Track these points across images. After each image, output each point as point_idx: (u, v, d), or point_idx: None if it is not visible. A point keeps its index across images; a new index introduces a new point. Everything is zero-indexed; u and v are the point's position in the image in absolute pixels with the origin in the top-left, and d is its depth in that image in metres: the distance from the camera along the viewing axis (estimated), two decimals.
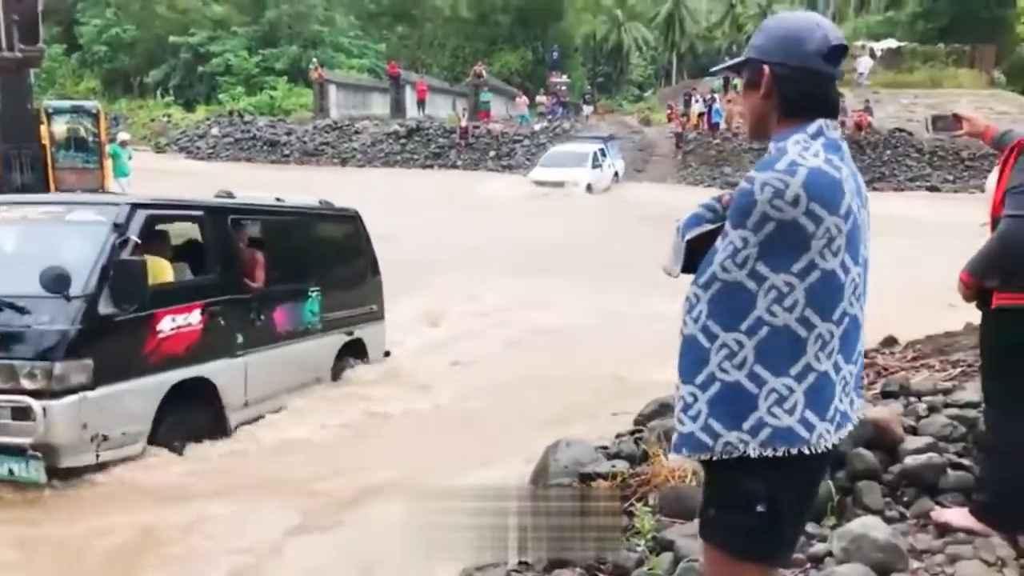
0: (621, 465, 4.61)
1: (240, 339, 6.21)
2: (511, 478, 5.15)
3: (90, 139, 16.79)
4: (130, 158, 17.98)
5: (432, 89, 38.71)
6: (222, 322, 6.02)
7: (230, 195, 6.92)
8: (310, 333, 7.12)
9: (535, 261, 13.66)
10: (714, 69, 2.75)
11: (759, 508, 1.91)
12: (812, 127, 1.94)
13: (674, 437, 2.01)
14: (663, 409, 5.49)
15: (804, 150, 1.89)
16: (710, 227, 1.99)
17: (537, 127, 33.21)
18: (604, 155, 27.04)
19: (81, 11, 44.47)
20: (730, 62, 2.08)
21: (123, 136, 19.58)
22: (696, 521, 3.66)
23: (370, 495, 5.18)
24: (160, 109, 39.85)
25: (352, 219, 8.11)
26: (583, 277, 12.38)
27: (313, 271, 7.33)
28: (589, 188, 25.33)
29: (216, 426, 5.98)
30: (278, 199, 7.40)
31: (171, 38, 41.80)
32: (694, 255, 2.04)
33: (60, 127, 16.75)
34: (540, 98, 38.49)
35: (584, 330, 9.49)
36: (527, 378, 7.74)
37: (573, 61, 51.39)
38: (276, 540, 4.61)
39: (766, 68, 1.96)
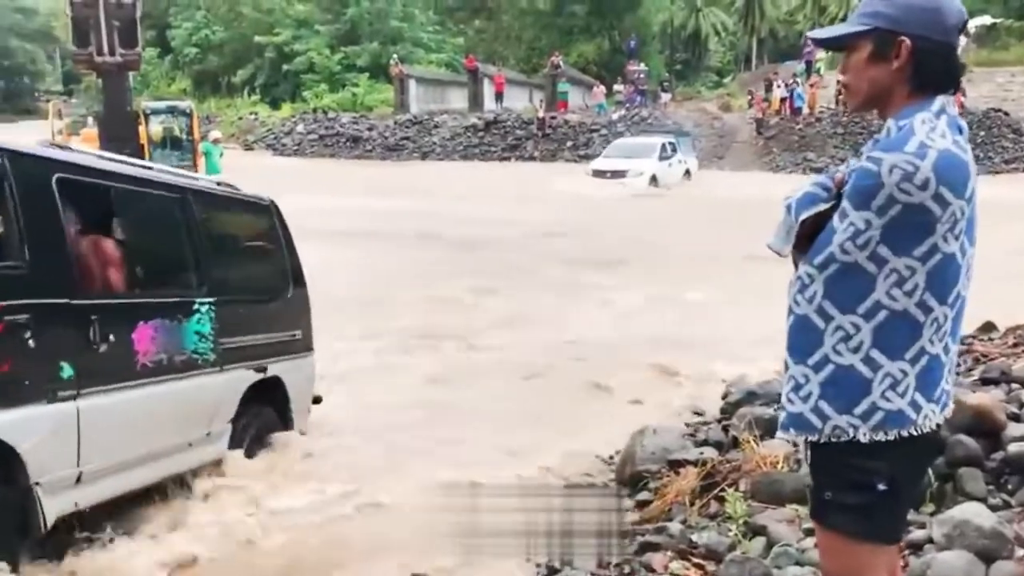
0: (709, 452, 4.64)
1: (66, 373, 3.71)
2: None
3: (184, 138, 17.58)
4: (221, 155, 18.58)
5: (509, 82, 38.85)
6: (31, 343, 3.55)
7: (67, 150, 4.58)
8: (196, 367, 4.57)
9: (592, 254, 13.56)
10: (822, 35, 2.26)
11: (880, 487, 1.90)
12: (935, 104, 1.90)
13: (781, 416, 2.03)
14: (750, 397, 5.49)
15: (931, 130, 1.85)
16: (824, 207, 1.99)
17: (615, 116, 33.03)
18: (674, 150, 25.47)
19: (173, 15, 46.09)
20: (848, 29, 1.98)
21: (215, 134, 20.26)
22: (789, 507, 3.72)
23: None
24: (247, 108, 41.04)
25: (266, 211, 5.68)
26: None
27: (202, 276, 4.78)
28: (654, 181, 23.60)
29: (15, 523, 3.56)
30: (147, 167, 5.17)
31: (256, 38, 42.96)
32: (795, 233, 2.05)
33: (156, 127, 17.58)
34: (617, 87, 38.23)
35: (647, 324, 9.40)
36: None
37: (650, 49, 50.83)
38: None
39: (906, 40, 1.89)
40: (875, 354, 1.88)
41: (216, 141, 18.94)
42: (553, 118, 32.98)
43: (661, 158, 24.35)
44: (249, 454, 5.05)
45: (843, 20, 2.11)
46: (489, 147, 32.42)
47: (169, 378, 4.35)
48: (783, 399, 2.02)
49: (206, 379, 4.66)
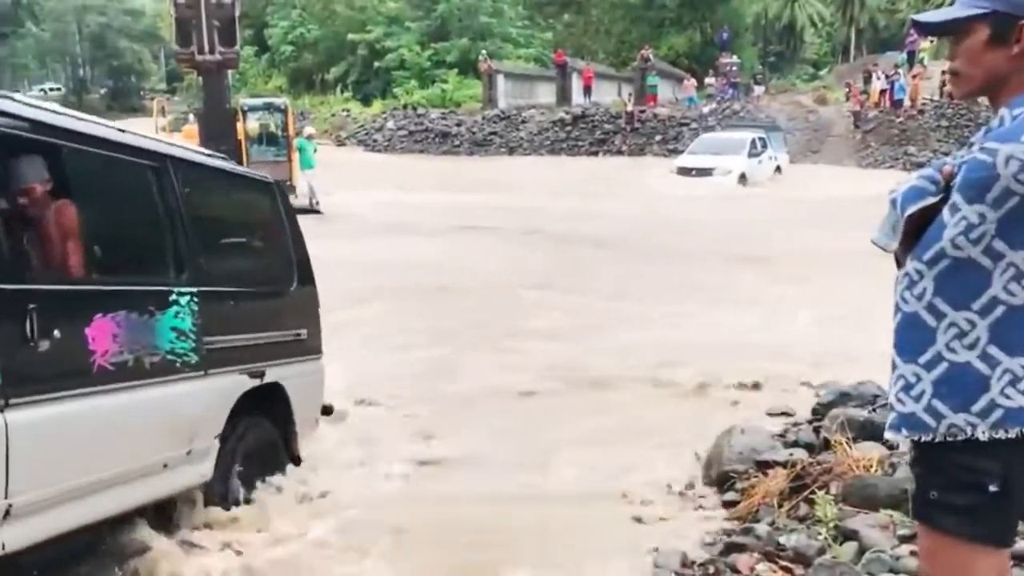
0: (799, 453, 4.54)
1: None
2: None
3: (279, 134, 18.10)
4: (315, 151, 19.06)
5: (598, 75, 38.62)
6: None
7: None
8: (173, 370, 3.71)
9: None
10: (929, 18, 2.09)
11: (992, 488, 1.84)
12: None
13: (890, 417, 1.97)
14: (843, 398, 5.35)
15: None
16: (932, 200, 1.92)
17: (705, 109, 32.49)
18: (764, 145, 23.88)
19: (270, 14, 47.44)
20: (962, 12, 1.90)
21: (309, 130, 20.80)
22: (883, 512, 3.60)
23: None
24: (340, 104, 41.94)
25: (267, 190, 5.02)
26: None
27: (183, 261, 3.91)
28: (743, 180, 22.14)
29: None
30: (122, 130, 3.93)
31: (349, 35, 43.81)
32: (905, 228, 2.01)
33: (253, 123, 18.15)
34: (709, 80, 37.57)
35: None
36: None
37: (743, 41, 49.73)
38: None
39: None
40: (992, 350, 1.82)
41: (310, 137, 19.44)
42: (642, 112, 32.66)
43: (751, 155, 22.86)
44: (244, 478, 4.24)
45: (950, 4, 2.01)
46: (576, 142, 32.33)
47: (136, 384, 3.47)
48: (892, 399, 1.97)
49: (186, 385, 3.78)
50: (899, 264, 1.98)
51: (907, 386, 1.91)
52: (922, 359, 1.88)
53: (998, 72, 1.88)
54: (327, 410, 5.23)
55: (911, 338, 1.90)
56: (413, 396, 6.61)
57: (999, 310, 1.81)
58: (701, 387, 6.86)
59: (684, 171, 22.32)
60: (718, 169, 21.75)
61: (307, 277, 5.04)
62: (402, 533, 4.18)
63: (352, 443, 5.53)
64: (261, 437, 4.48)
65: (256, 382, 4.33)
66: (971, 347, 1.83)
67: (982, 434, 1.83)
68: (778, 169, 24.36)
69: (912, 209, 1.93)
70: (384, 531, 4.16)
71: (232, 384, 4.16)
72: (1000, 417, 1.82)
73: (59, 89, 61.98)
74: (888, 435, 2.01)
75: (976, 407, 1.84)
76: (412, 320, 9.05)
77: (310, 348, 4.99)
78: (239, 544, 3.89)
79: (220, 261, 4.29)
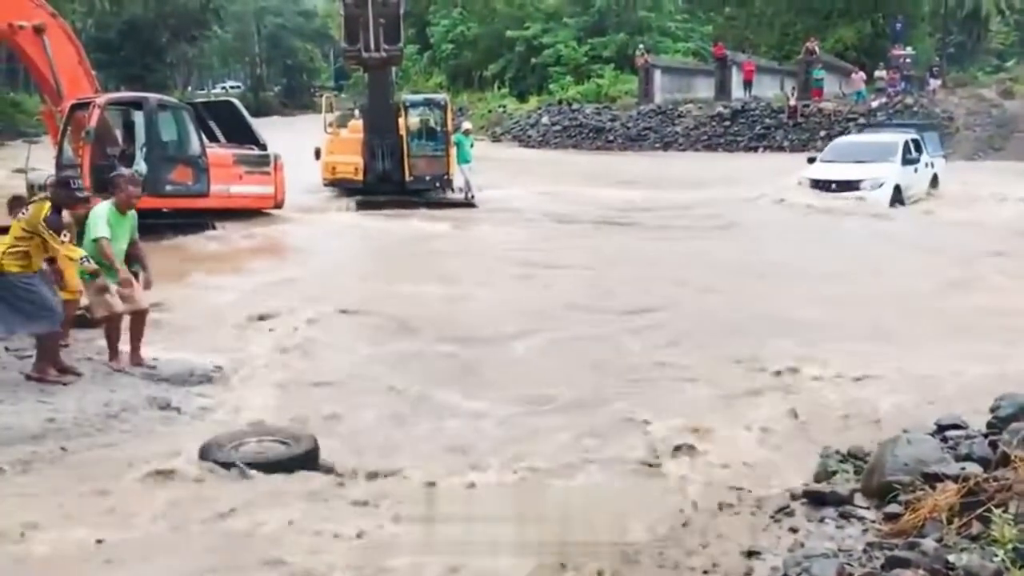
0: (972, 467, 4.23)
1: None
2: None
3: (438, 129, 18.55)
4: (472, 146, 19.43)
5: (759, 69, 37.39)
6: None
7: None
8: None
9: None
10: None
11: None
12: None
13: None
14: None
15: None
16: None
17: (874, 104, 30.81)
18: (919, 148, 18.16)
19: (432, 13, 48.82)
20: None
21: (467, 125, 21.23)
22: None
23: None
24: (497, 100, 42.64)
25: None
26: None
27: None
28: (898, 193, 16.76)
29: None
30: None
31: (508, 32, 44.45)
32: None
33: (414, 118, 18.68)
34: (879, 73, 35.58)
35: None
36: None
37: (919, 32, 46.72)
38: None
39: None
40: None
41: (467, 132, 19.83)
42: (806, 106, 31.36)
43: (905, 161, 17.33)
44: None
45: None
46: (735, 137, 31.47)
47: None
48: None
49: None
50: None
51: None
52: None
53: None
54: None
55: None
56: None
57: None
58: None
59: (820, 185, 17.07)
60: (867, 182, 16.53)
61: None
62: None
63: None
64: None
65: None
66: None
67: None
68: (935, 180, 18.88)
69: None
70: None
71: None
72: None
73: (238, 87, 66.26)
74: None
75: None
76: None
77: None
78: None
79: None
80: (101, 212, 6.70)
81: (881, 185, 16.55)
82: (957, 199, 17.60)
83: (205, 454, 5.06)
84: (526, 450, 5.52)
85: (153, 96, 15.04)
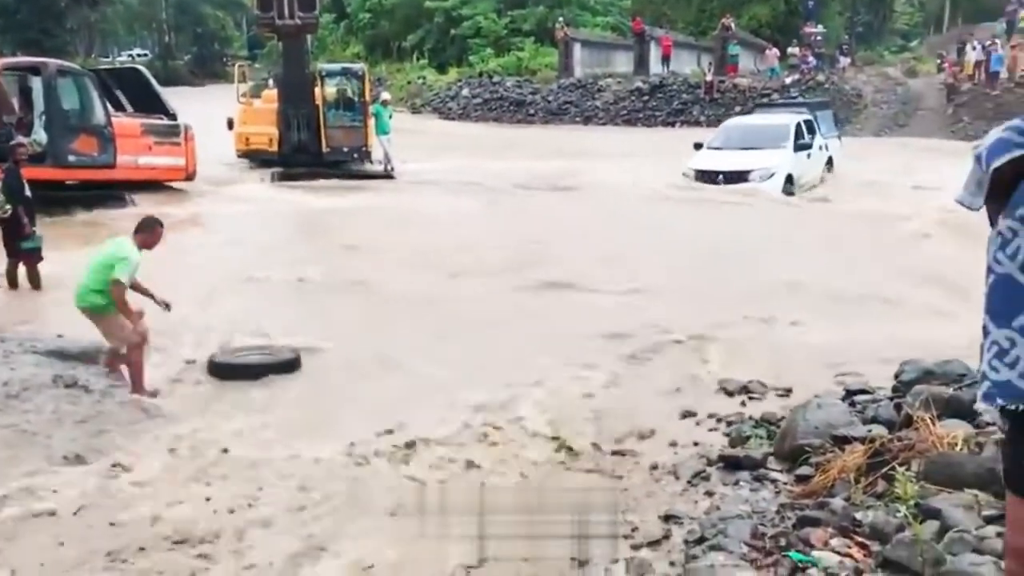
0: (878, 429, 4.41)
1: None
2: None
3: (356, 99, 18.20)
4: (391, 117, 19.16)
5: (677, 44, 37.80)
6: None
7: None
8: None
9: None
10: None
11: None
12: None
13: (983, 386, 1.87)
14: (927, 376, 5.16)
15: None
16: (1021, 152, 1.79)
17: (787, 80, 31.54)
18: (812, 130, 16.71)
19: None
20: None
21: (385, 96, 20.91)
22: (968, 491, 3.45)
23: None
24: (416, 71, 42.06)
25: None
26: None
27: None
28: (790, 184, 15.17)
29: None
30: None
31: (426, 3, 43.78)
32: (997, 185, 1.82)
33: (330, 88, 18.28)
34: (792, 50, 36.43)
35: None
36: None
37: (829, 11, 47.98)
38: None
39: None
40: None
41: (385, 103, 19.53)
42: (722, 82, 31.90)
43: (797, 147, 15.80)
44: None
45: None
46: (653, 112, 31.81)
47: None
48: (984, 367, 1.86)
49: None
50: (992, 224, 1.86)
51: (1001, 352, 1.80)
52: (1017, 323, 1.77)
53: None
54: None
55: (1005, 301, 1.79)
56: None
57: None
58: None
59: (706, 177, 15.42)
60: (756, 172, 14.97)
61: None
62: None
63: None
64: None
65: None
66: None
67: None
68: (830, 163, 17.61)
69: (998, 162, 1.81)
70: None
71: None
72: None
73: (146, 55, 63.69)
74: (980, 405, 1.91)
75: None
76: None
77: None
78: None
79: None
80: (131, 255, 5.92)
81: (771, 176, 14.94)
82: (851, 187, 16.52)
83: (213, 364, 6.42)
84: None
85: (53, 61, 14.31)
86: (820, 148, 16.97)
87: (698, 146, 16.58)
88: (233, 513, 4.31)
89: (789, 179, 15.18)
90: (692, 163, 15.99)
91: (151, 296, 6.21)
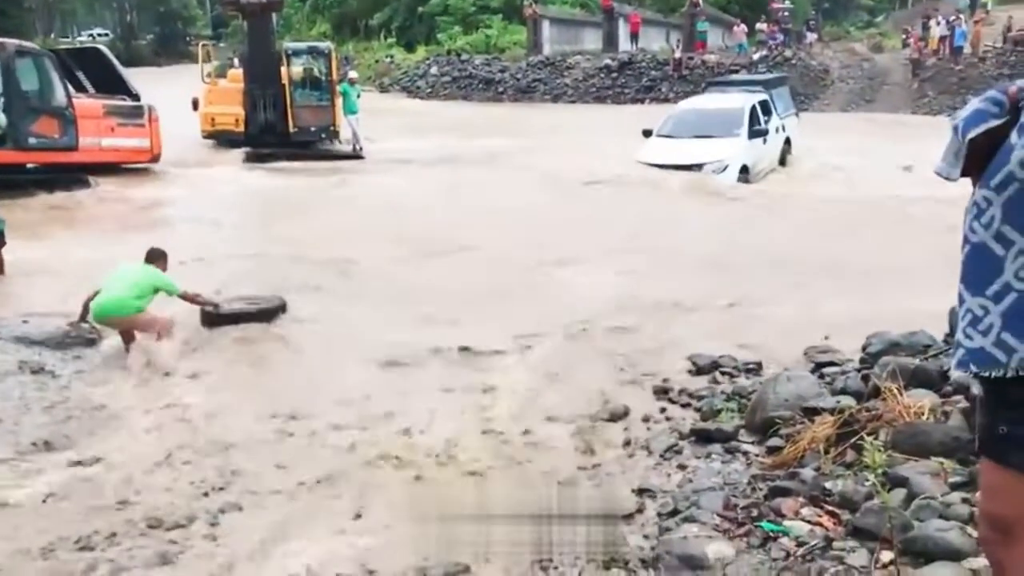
0: (847, 400, 4.46)
1: None
2: None
3: (323, 78, 17.97)
4: (359, 96, 18.95)
5: (646, 21, 37.78)
6: None
7: None
8: None
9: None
10: None
11: None
12: None
13: (958, 353, 1.89)
14: (893, 347, 5.23)
15: None
16: (996, 123, 1.80)
17: (756, 56, 31.66)
18: (768, 111, 15.65)
19: None
20: None
21: (353, 75, 20.64)
22: (934, 459, 3.52)
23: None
24: (384, 50, 41.67)
25: None
26: None
27: None
28: (745, 173, 14.19)
29: None
30: None
31: None
32: (974, 156, 1.85)
33: (297, 67, 18.03)
34: (760, 26, 36.56)
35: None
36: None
37: None
38: None
39: None
40: None
41: (352, 82, 19.30)
42: (690, 58, 31.93)
43: (752, 133, 14.70)
44: None
45: None
46: (623, 89, 31.77)
47: None
48: (958, 335, 1.88)
49: None
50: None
51: (975, 320, 1.82)
52: (990, 291, 1.79)
53: None
54: None
55: (979, 269, 1.81)
56: None
57: None
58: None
59: (659, 167, 14.28)
60: (709, 164, 13.93)
61: None
62: None
63: None
64: None
65: None
66: None
67: None
68: (787, 144, 16.60)
69: (974, 132, 1.82)
70: None
71: None
72: None
73: (107, 35, 62.42)
74: (955, 373, 1.94)
75: None
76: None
77: None
78: None
79: None
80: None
81: (725, 168, 13.86)
82: (807, 171, 15.88)
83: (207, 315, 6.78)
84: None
85: (10, 41, 13.94)
86: (776, 130, 15.89)
87: (647, 133, 15.28)
88: (207, 497, 4.29)
89: (744, 169, 14.17)
90: (641, 155, 14.75)
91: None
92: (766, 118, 15.37)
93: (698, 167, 13.89)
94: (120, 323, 6.51)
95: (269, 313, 7.03)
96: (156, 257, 6.82)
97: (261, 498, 4.28)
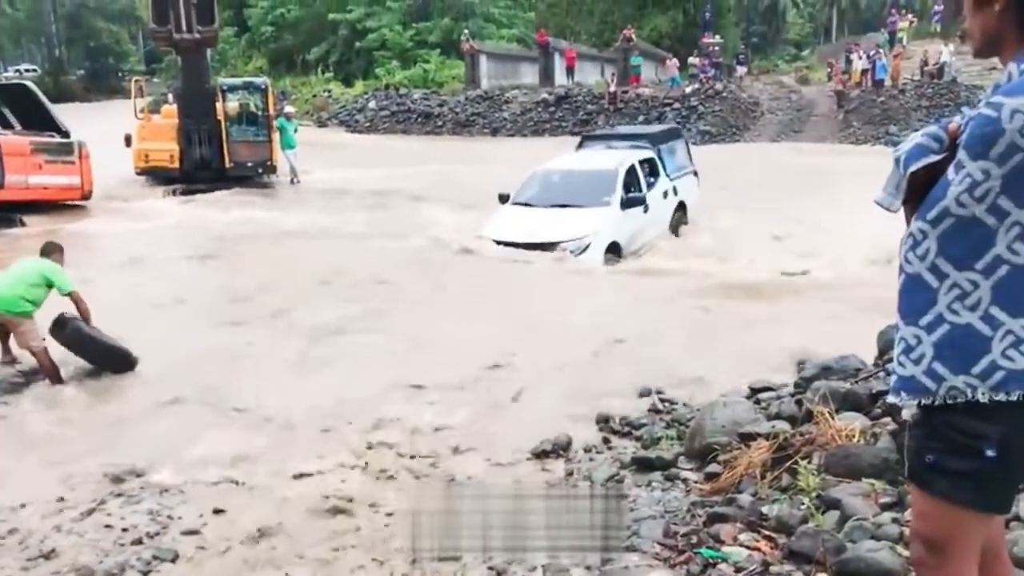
0: (782, 425, 4.54)
1: None
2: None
3: (259, 113, 17.87)
4: (296, 131, 18.87)
5: (581, 56, 38.42)
6: None
7: None
8: None
9: None
10: None
11: (989, 453, 1.80)
12: None
13: (892, 380, 1.95)
14: (825, 371, 5.36)
15: None
16: (936, 158, 1.89)
17: (688, 90, 32.42)
18: (656, 172, 12.95)
19: None
20: None
21: (289, 109, 20.61)
22: (865, 481, 3.61)
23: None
24: (321, 85, 41.55)
25: None
26: None
27: None
28: (615, 252, 11.32)
29: None
30: None
31: (330, 16, 43.40)
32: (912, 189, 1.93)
33: (232, 103, 17.90)
34: (692, 60, 37.50)
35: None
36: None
37: (726, 21, 49.62)
38: None
39: None
40: (995, 311, 1.79)
41: (289, 116, 19.23)
42: (625, 92, 32.54)
43: (627, 202, 11.73)
44: None
45: None
46: (560, 122, 32.18)
47: None
48: (893, 362, 1.95)
49: None
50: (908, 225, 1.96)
51: (908, 349, 1.88)
52: (923, 321, 1.85)
53: (990, 31, 1.86)
54: None
55: (913, 300, 1.87)
56: None
57: (1003, 270, 1.77)
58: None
59: (506, 246, 11.25)
60: (567, 243, 11.03)
61: None
62: None
63: None
64: None
65: None
66: (973, 308, 1.80)
67: (982, 396, 1.79)
68: (681, 210, 13.46)
69: (915, 167, 1.90)
70: None
71: None
72: (1001, 379, 1.79)
73: (35, 70, 61.03)
74: (889, 399, 2.00)
75: (976, 369, 1.80)
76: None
77: None
78: None
79: None
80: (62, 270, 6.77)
81: (587, 247, 10.97)
82: (701, 247, 12.22)
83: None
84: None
85: None
86: (665, 194, 12.94)
87: (503, 199, 12.35)
88: (140, 544, 4.16)
89: (614, 247, 11.31)
90: (487, 230, 11.67)
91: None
92: (651, 180, 12.67)
93: (551, 247, 11.02)
94: (9, 324, 6.56)
95: (117, 361, 6.74)
96: (52, 250, 6.76)
97: (209, 543, 4.16)
